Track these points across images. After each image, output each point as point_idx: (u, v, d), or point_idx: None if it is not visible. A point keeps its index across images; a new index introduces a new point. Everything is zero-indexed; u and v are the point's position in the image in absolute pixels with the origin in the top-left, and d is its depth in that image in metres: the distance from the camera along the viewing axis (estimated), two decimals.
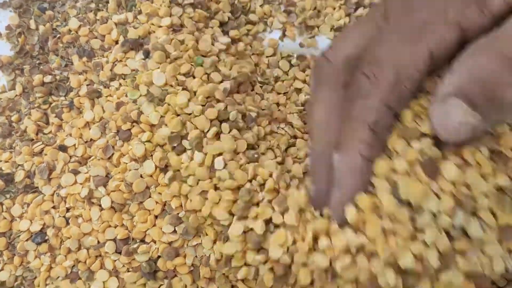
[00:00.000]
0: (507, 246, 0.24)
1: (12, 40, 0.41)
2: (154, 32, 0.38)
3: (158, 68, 0.35)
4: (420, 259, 0.24)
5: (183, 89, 0.34)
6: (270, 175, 0.30)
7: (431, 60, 0.25)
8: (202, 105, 0.32)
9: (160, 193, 0.33)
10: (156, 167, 0.33)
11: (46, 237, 0.34)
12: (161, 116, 0.33)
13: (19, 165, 0.36)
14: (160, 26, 0.38)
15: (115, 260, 0.33)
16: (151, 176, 0.33)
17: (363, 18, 0.30)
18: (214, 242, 0.32)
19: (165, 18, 0.38)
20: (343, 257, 0.25)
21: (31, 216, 0.35)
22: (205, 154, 0.31)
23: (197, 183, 0.31)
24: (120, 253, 0.33)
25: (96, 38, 0.40)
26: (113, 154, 0.34)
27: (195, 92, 0.33)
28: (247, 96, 0.36)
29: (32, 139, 0.37)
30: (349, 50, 0.28)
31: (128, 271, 0.33)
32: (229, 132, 0.32)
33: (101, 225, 0.33)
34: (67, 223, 0.34)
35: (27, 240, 0.34)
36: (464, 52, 0.24)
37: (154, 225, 0.33)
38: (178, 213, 0.32)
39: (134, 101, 0.35)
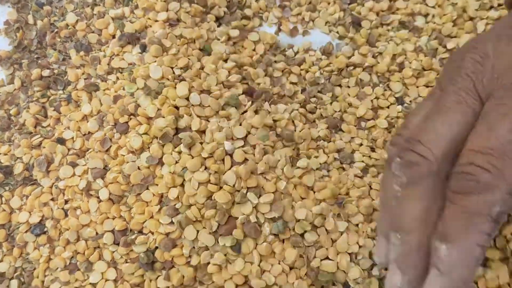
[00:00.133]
0: None
1: (11, 35, 0.42)
2: (150, 26, 0.39)
3: (155, 61, 0.35)
4: None
5: (180, 80, 0.34)
6: None
7: None
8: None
9: (157, 185, 0.33)
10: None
11: (45, 229, 0.35)
12: (158, 109, 0.34)
13: (18, 157, 0.36)
14: (156, 21, 0.38)
15: (113, 251, 0.33)
16: (148, 168, 0.33)
17: (449, 97, 0.26)
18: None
19: (162, 12, 0.39)
20: None
21: (30, 208, 0.35)
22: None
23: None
24: (118, 244, 0.33)
25: (93, 32, 0.40)
26: (110, 146, 0.35)
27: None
28: None
29: (31, 132, 0.37)
30: (446, 144, 0.25)
31: (126, 262, 0.33)
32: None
33: (99, 217, 0.34)
34: (66, 215, 0.34)
35: (26, 231, 0.35)
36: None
37: (152, 216, 0.33)
38: (175, 205, 0.33)
39: (131, 94, 0.35)
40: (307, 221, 0.32)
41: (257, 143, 0.34)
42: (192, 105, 0.34)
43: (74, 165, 0.35)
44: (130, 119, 0.35)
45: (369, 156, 0.36)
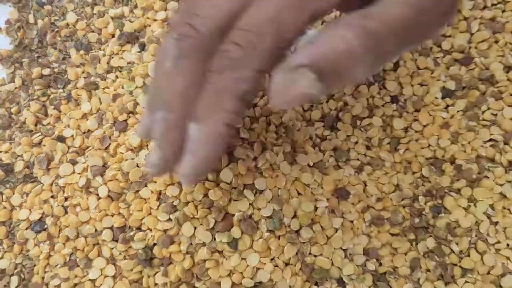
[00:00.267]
0: None
1: (12, 34, 0.42)
2: (149, 25, 0.39)
3: (154, 60, 0.35)
4: None
5: None
6: None
7: (311, 21, 0.24)
8: None
9: (155, 182, 0.34)
10: None
11: (45, 226, 0.35)
12: None
13: (18, 155, 0.37)
14: (155, 20, 0.39)
15: (112, 248, 0.34)
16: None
17: None
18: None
19: (160, 12, 0.39)
20: None
21: (31, 205, 0.36)
22: None
23: None
24: (117, 241, 0.34)
25: (93, 31, 0.40)
26: (110, 144, 0.35)
27: None
28: None
29: (31, 130, 0.38)
30: (220, 19, 0.25)
31: (125, 259, 0.34)
32: None
33: (98, 214, 0.34)
34: (66, 212, 0.35)
35: (26, 228, 0.35)
36: (330, 23, 0.24)
37: (150, 213, 0.34)
38: (173, 202, 0.33)
39: (130, 93, 0.36)
40: (305, 217, 0.33)
41: (255, 139, 0.34)
42: None
43: (74, 162, 0.35)
44: (129, 117, 0.35)
45: (365, 154, 0.36)
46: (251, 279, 0.32)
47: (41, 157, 0.36)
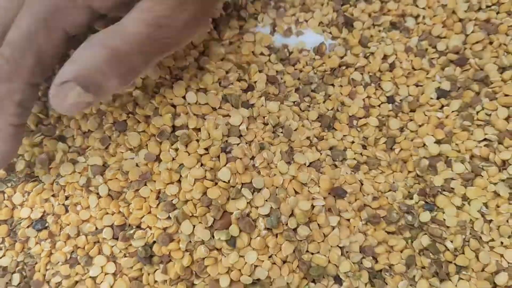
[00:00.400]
0: None
1: None
2: None
3: None
4: None
5: (177, 80, 0.35)
6: None
7: (67, 38, 0.29)
8: None
9: (154, 181, 0.34)
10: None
11: (46, 224, 0.35)
12: (156, 108, 0.35)
13: (20, 155, 0.37)
14: None
15: (113, 246, 0.34)
16: (146, 165, 0.34)
17: None
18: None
19: None
20: None
21: (32, 204, 0.36)
22: None
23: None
24: (117, 239, 0.34)
25: None
26: (109, 144, 0.36)
27: None
28: None
29: (32, 130, 0.38)
30: None
31: (125, 256, 0.34)
32: None
33: (98, 212, 0.34)
34: (66, 211, 0.35)
35: (28, 227, 0.36)
36: (84, 43, 0.28)
37: (150, 211, 0.34)
38: (172, 200, 0.34)
39: (130, 93, 0.36)
40: (302, 216, 0.33)
41: (253, 139, 0.35)
42: (189, 103, 0.35)
43: (74, 162, 0.36)
44: (129, 117, 0.36)
45: (361, 154, 0.37)
46: (249, 276, 0.33)
47: (42, 157, 0.36)
